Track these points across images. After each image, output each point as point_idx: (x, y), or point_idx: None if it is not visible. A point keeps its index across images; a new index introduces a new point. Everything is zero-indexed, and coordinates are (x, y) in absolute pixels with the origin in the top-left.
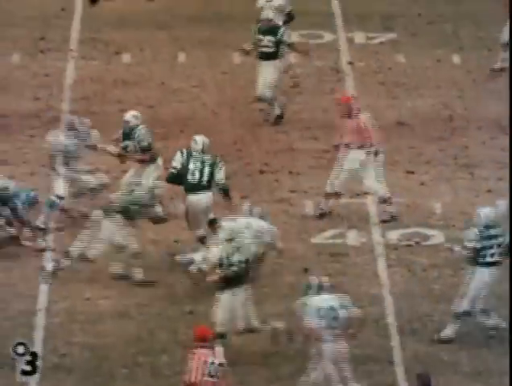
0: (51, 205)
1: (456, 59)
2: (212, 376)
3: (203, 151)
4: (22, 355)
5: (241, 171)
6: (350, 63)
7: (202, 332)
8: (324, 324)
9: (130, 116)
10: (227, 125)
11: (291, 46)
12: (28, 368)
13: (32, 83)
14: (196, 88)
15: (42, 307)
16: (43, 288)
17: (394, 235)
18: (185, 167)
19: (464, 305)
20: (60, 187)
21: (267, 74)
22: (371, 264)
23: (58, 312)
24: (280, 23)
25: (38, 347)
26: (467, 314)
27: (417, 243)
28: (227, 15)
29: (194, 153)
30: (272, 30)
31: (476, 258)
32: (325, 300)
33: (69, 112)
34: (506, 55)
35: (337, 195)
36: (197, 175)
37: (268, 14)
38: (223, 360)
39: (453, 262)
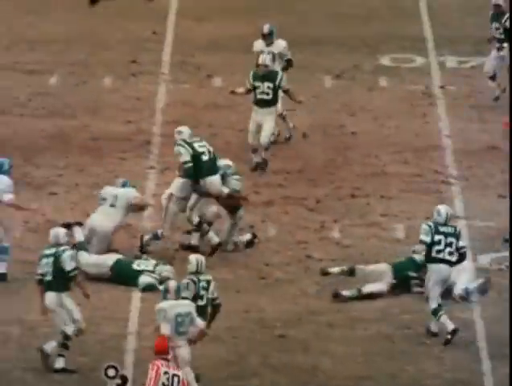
0: (155, 236)
1: None
2: None
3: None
4: (113, 377)
5: (332, 195)
6: (442, 87)
7: (162, 345)
8: (180, 329)
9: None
10: (318, 149)
11: (286, 92)
12: None
13: (124, 106)
14: (286, 111)
15: (132, 330)
16: (134, 312)
17: (485, 259)
18: (196, 155)
19: (432, 304)
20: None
21: (266, 123)
22: None
23: (148, 335)
24: (278, 69)
25: (128, 371)
26: (437, 310)
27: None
28: (318, 39)
29: (195, 144)
30: (270, 76)
31: (429, 253)
32: (183, 305)
33: (160, 135)
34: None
35: None
36: (207, 155)
37: (265, 59)
38: (178, 373)
39: None
